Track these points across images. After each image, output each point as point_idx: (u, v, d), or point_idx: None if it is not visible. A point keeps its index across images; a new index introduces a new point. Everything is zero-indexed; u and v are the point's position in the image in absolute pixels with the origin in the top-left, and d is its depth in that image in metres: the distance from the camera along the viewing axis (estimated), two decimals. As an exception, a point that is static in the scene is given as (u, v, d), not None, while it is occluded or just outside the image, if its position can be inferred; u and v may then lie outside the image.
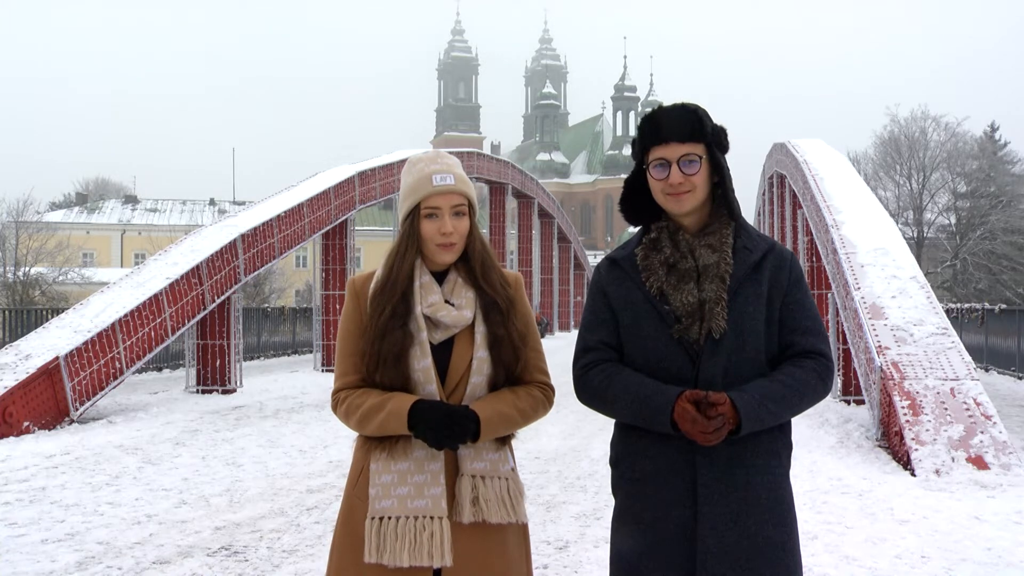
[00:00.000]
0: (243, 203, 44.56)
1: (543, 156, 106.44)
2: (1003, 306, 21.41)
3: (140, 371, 18.16)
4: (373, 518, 2.19)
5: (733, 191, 2.23)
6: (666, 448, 2.14)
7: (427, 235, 2.26)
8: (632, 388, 2.14)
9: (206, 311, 15.99)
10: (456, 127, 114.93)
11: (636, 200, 2.28)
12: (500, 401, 2.24)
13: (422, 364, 2.21)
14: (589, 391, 2.23)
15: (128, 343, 13.71)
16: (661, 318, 2.16)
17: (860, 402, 12.45)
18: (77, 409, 12.26)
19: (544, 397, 2.33)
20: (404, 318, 2.23)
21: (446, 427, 2.13)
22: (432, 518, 2.17)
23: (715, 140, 2.18)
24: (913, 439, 8.29)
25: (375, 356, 2.21)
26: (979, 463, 7.92)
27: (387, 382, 2.21)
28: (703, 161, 2.16)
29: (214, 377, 16.81)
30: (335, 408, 2.29)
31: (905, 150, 43.46)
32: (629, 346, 2.21)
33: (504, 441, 2.30)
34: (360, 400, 2.22)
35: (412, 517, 2.17)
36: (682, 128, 2.16)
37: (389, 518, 2.17)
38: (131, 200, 63.52)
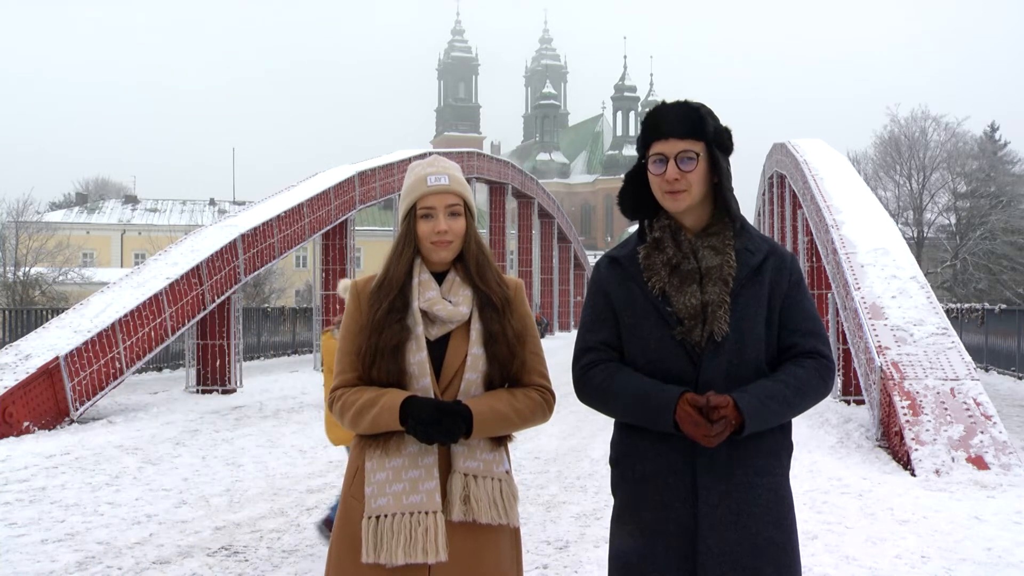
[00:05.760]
0: (243, 203, 44.51)
1: (543, 156, 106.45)
2: (1003, 306, 21.41)
3: (140, 371, 18.17)
4: (369, 517, 2.19)
5: (732, 192, 2.23)
6: (666, 448, 2.14)
7: (423, 234, 2.30)
8: (633, 387, 2.14)
9: (206, 311, 15.99)
10: (456, 127, 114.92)
11: (635, 194, 2.28)
12: (495, 399, 2.25)
13: (417, 358, 2.23)
14: (589, 390, 2.23)
15: (128, 343, 13.71)
16: (663, 319, 2.16)
17: (860, 402, 12.45)
18: (77, 409, 12.25)
19: (543, 400, 2.33)
20: (402, 312, 2.25)
21: (436, 421, 2.14)
22: (426, 513, 2.18)
23: (716, 140, 2.18)
24: (913, 439, 8.29)
25: (372, 349, 2.24)
26: (979, 463, 7.91)
27: (383, 376, 2.23)
28: (700, 159, 2.16)
29: (214, 377, 16.81)
30: (331, 406, 2.30)
31: (905, 150, 43.44)
32: (630, 346, 2.21)
33: (500, 442, 2.30)
34: (355, 397, 2.23)
35: (407, 514, 2.18)
36: (682, 125, 2.16)
37: (385, 516, 2.18)
38: (131, 200, 63.45)
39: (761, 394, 2.08)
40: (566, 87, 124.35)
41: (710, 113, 2.19)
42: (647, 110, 2.30)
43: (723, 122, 2.22)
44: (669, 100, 2.24)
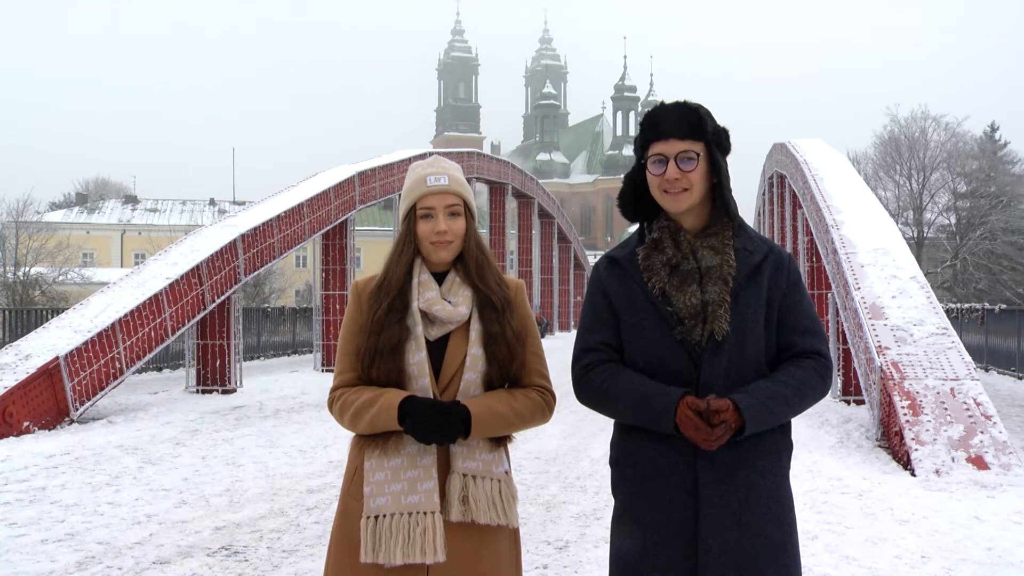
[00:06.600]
0: (243, 203, 44.51)
1: (543, 156, 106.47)
2: (1003, 306, 21.41)
3: (140, 371, 18.16)
4: (368, 517, 2.19)
5: (731, 192, 2.23)
6: (667, 449, 2.14)
7: (423, 235, 2.30)
8: (633, 389, 2.14)
9: (206, 311, 15.98)
10: (456, 127, 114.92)
11: (635, 196, 2.28)
12: (494, 399, 2.25)
13: (417, 358, 2.23)
14: (590, 391, 2.22)
15: (128, 343, 13.70)
16: (663, 319, 2.16)
17: (860, 402, 12.45)
18: (77, 409, 12.25)
19: (543, 401, 2.33)
20: (401, 313, 2.25)
21: (434, 422, 2.15)
22: (425, 513, 2.18)
23: (715, 140, 2.19)
24: (913, 439, 8.29)
25: (372, 349, 2.24)
26: (979, 463, 7.91)
27: (382, 376, 2.23)
28: (700, 159, 2.16)
29: (214, 377, 16.81)
30: (331, 405, 2.30)
31: (905, 150, 43.43)
32: (630, 346, 2.21)
33: (499, 442, 2.30)
34: (354, 397, 2.23)
35: (406, 514, 2.18)
36: (682, 125, 2.16)
37: (384, 516, 2.18)
38: (131, 200, 63.49)
39: (761, 395, 2.08)
40: (566, 87, 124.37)
41: (708, 114, 2.20)
42: (646, 111, 2.30)
43: (720, 122, 2.22)
44: (667, 101, 2.24)
